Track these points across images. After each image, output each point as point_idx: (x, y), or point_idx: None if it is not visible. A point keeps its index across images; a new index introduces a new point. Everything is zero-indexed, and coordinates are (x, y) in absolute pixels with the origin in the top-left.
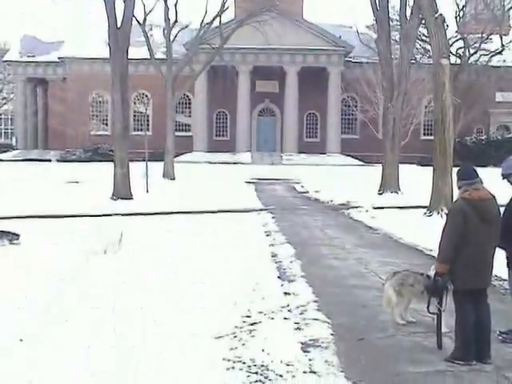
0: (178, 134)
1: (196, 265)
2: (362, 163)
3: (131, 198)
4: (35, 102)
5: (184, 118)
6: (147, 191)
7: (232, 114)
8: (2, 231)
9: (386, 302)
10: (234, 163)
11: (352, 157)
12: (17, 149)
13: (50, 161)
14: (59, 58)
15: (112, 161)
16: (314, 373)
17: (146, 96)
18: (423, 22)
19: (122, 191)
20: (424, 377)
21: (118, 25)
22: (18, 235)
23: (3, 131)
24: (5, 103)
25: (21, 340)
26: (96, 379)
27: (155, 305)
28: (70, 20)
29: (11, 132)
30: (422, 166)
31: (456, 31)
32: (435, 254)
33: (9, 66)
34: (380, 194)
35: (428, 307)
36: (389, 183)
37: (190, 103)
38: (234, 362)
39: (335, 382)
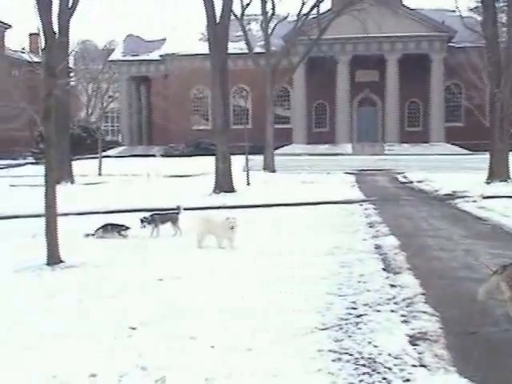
0: (277, 126)
1: (300, 256)
2: (467, 152)
3: (233, 191)
4: (139, 100)
5: (283, 110)
6: (248, 184)
7: (331, 105)
8: (113, 224)
9: (488, 292)
10: (335, 154)
11: (457, 145)
12: (123, 145)
13: (154, 156)
14: (161, 56)
15: (213, 155)
16: (424, 366)
17: (246, 90)
18: None
19: (225, 184)
20: None
21: (217, 20)
22: (127, 227)
23: (110, 129)
24: (111, 101)
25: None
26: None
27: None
28: (170, 18)
29: (117, 129)
30: None
31: None
32: None
33: (114, 66)
34: (488, 183)
35: None
36: (497, 172)
37: (288, 95)
38: (340, 354)
39: (446, 376)
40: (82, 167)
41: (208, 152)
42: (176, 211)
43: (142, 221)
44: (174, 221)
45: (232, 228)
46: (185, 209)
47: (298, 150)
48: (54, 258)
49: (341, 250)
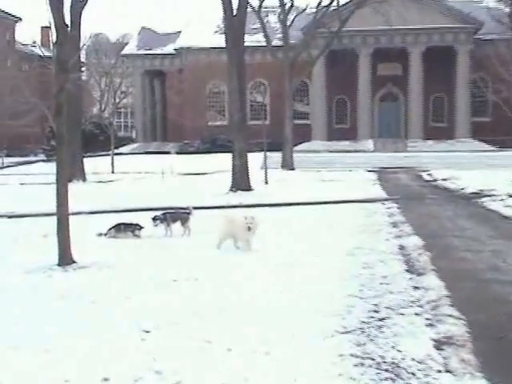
0: (296, 122)
1: (319, 257)
2: (494, 148)
3: (251, 190)
4: (153, 95)
5: (302, 105)
6: (266, 182)
7: (352, 100)
8: (126, 223)
9: None
10: (355, 151)
11: (483, 142)
12: (137, 142)
13: (168, 153)
14: (175, 50)
15: (230, 152)
16: (450, 372)
17: (263, 84)
18: None
19: (242, 183)
20: None
21: (234, 12)
22: (141, 227)
23: (123, 124)
24: (124, 97)
25: None
26: None
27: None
28: (185, 10)
29: (131, 125)
30: None
31: None
32: None
33: (127, 60)
34: None
35: None
36: None
37: (308, 90)
38: (362, 358)
39: (472, 382)
40: (94, 165)
41: (224, 149)
42: (187, 211)
43: (154, 219)
44: (185, 220)
45: (249, 229)
46: (199, 208)
47: (317, 147)
48: (65, 259)
49: (362, 250)
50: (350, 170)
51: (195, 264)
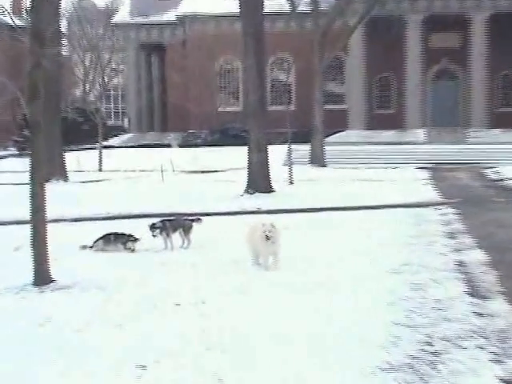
0: (328, 107)
1: (357, 276)
2: None
3: (271, 191)
4: (150, 74)
5: (336, 86)
6: (291, 182)
7: (398, 80)
8: (117, 234)
9: None
10: (402, 143)
11: None
12: (130, 132)
13: (169, 146)
14: (177, 18)
15: (246, 144)
16: None
17: (287, 60)
18: None
19: (260, 183)
20: None
21: None
22: (136, 238)
23: (113, 111)
24: (114, 76)
25: None
26: None
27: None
28: None
29: (123, 112)
30: None
31: None
32: None
33: (118, 30)
34: None
35: None
36: None
37: (343, 67)
38: None
39: None
40: (77, 160)
41: (238, 141)
42: (190, 218)
43: (152, 228)
44: (187, 229)
45: (267, 239)
46: (205, 214)
47: (354, 138)
48: (42, 277)
49: (410, 267)
50: (396, 167)
51: (202, 284)
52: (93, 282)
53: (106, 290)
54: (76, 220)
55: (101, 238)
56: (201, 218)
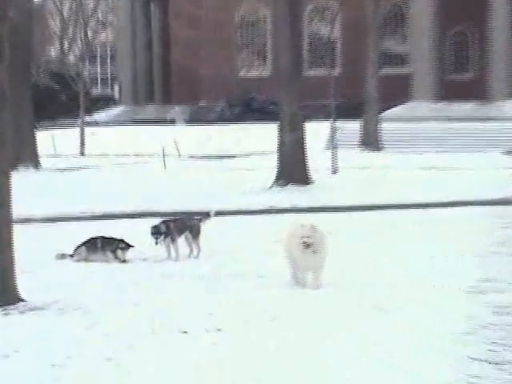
0: (385, 72)
1: (425, 295)
2: None
3: (309, 183)
4: (148, 27)
5: (396, 44)
6: (335, 171)
7: (479, 34)
8: (105, 238)
9: None
10: (485, 120)
11: None
12: (122, 104)
13: (173, 122)
14: None
15: (275, 121)
16: None
17: (330, 9)
18: None
19: (294, 172)
20: None
21: None
22: (128, 245)
23: (99, 76)
24: (101, 30)
25: None
26: None
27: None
28: None
29: (112, 78)
30: None
31: None
32: None
33: None
34: None
35: None
36: None
37: (405, 20)
38: None
39: None
40: (52, 141)
41: (265, 116)
42: (198, 217)
43: (154, 233)
44: (195, 232)
45: (307, 247)
46: (223, 213)
47: (420, 112)
48: (7, 295)
49: (495, 284)
50: (476, 152)
51: (216, 305)
52: (73, 301)
53: (90, 312)
54: (51, 220)
55: (84, 243)
56: (210, 212)
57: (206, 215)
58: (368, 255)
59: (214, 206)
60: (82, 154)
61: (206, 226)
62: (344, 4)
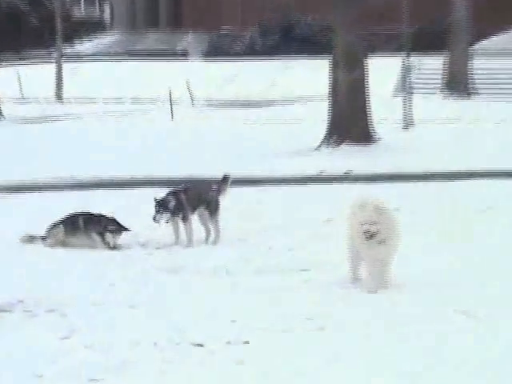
0: None
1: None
2: None
3: (372, 141)
4: None
5: None
6: (407, 125)
7: None
8: (88, 215)
9: None
10: None
11: None
12: (114, 29)
13: (185, 56)
14: None
15: (326, 54)
16: None
17: None
18: None
19: (351, 125)
20: None
21: None
22: (122, 227)
23: None
24: None
25: None
26: None
27: None
28: None
29: None
30: None
31: None
32: None
33: None
34: None
35: None
36: None
37: None
38: None
39: None
40: (18, 81)
41: (311, 47)
42: (213, 186)
43: (160, 210)
44: (213, 208)
45: (370, 238)
46: (248, 180)
47: None
48: None
49: None
50: None
51: (241, 310)
52: (45, 301)
53: (67, 315)
54: (17, 189)
55: (61, 222)
56: (227, 176)
57: (223, 181)
58: (451, 244)
59: (236, 173)
60: (59, 98)
61: (226, 199)
62: None
